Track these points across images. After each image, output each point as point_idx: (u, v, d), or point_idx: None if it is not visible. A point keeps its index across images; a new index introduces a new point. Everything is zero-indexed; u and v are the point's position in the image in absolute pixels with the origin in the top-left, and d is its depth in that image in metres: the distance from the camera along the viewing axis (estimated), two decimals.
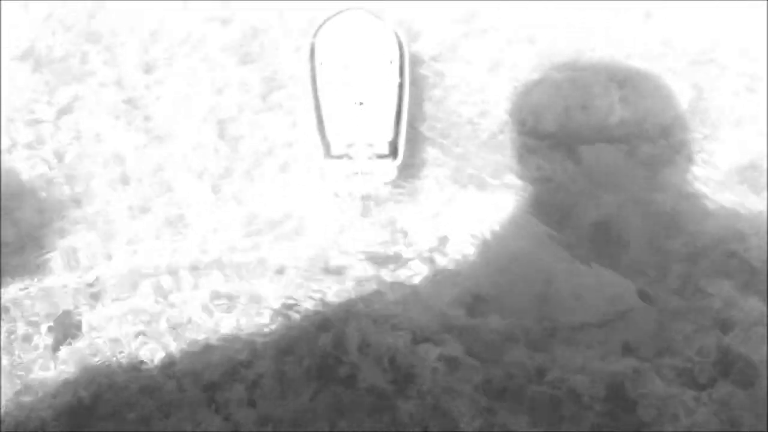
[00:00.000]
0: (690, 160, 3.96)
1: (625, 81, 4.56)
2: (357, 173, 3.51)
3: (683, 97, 4.42)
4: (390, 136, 3.60)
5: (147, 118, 4.08)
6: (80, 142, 3.88)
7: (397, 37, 4.09)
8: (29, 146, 3.86)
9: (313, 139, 3.58)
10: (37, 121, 4.00)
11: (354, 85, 3.85)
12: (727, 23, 5.03)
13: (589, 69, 4.69)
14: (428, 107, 4.25)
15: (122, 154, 3.81)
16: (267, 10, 5.01)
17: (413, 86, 4.11)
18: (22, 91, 4.20)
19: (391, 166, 3.53)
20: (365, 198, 3.53)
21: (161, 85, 4.31)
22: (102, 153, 3.80)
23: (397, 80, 3.85)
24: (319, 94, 3.81)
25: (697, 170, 3.90)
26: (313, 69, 3.93)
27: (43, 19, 4.84)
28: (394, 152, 3.56)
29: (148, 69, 4.43)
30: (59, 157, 3.80)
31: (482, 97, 4.35)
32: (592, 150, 4.01)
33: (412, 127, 3.99)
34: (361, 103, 3.74)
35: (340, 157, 3.55)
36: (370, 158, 3.56)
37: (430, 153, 3.91)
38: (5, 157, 3.80)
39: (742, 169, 3.90)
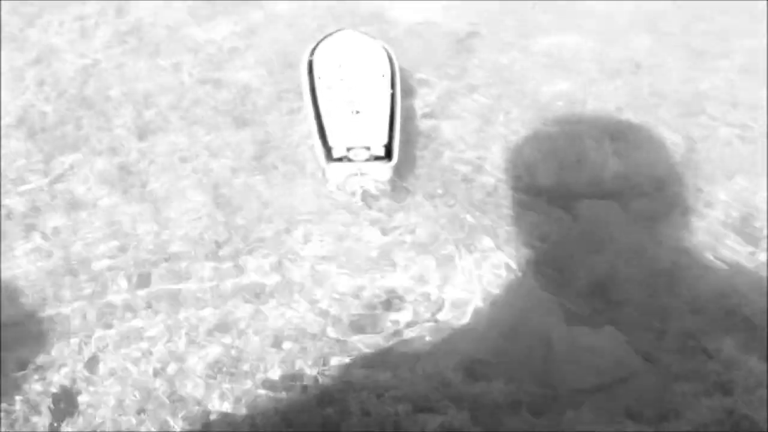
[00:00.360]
0: (685, 213, 3.97)
1: (618, 133, 4.61)
2: (356, 173, 3.83)
3: (676, 149, 4.45)
4: (385, 140, 3.94)
5: (142, 185, 4.07)
6: (76, 211, 3.87)
7: (388, 53, 4.54)
8: (25, 216, 3.84)
9: (315, 145, 3.97)
10: (33, 191, 3.99)
11: (350, 96, 4.21)
12: (716, 73, 5.12)
13: (581, 122, 4.74)
14: (421, 165, 4.27)
15: (118, 222, 3.80)
16: (259, 69, 5.10)
17: (408, 144, 4.16)
18: (16, 160, 4.20)
19: (387, 167, 3.88)
20: (365, 194, 3.83)
21: (155, 150, 4.32)
22: (98, 222, 3.78)
23: (389, 91, 4.28)
24: (319, 104, 4.16)
25: (693, 224, 3.90)
26: (312, 83, 4.34)
27: (36, 85, 4.88)
28: (389, 154, 3.89)
29: (141, 134, 4.45)
30: (55, 227, 3.78)
31: (476, 153, 4.38)
32: (588, 205, 4.02)
33: (404, 185, 4.04)
34: (357, 112, 4.17)
35: (340, 159, 3.87)
36: (367, 159, 3.87)
37: (424, 212, 3.91)
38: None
39: (739, 221, 3.91)
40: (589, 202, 4.07)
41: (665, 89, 4.94)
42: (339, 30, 4.83)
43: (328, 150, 3.95)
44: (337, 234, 3.78)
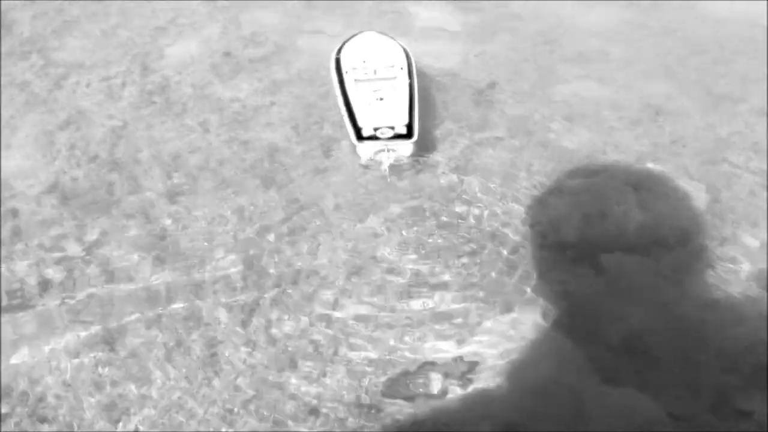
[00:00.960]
0: (711, 265, 4.03)
1: (640, 184, 4.69)
2: (383, 150, 4.55)
3: (700, 199, 4.53)
4: (406, 121, 4.65)
5: (174, 250, 4.19)
6: (111, 279, 3.98)
7: (405, 50, 5.28)
8: (61, 286, 3.95)
9: (347, 128, 4.72)
10: (67, 259, 4.11)
11: (375, 86, 4.99)
12: (736, 117, 5.20)
13: (604, 173, 4.82)
14: (447, 224, 4.37)
15: (152, 289, 3.90)
16: (284, 127, 5.23)
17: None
18: (51, 228, 4.32)
19: (409, 143, 4.61)
20: (392, 166, 4.58)
21: (185, 213, 4.43)
22: (132, 290, 3.89)
23: (407, 81, 5.02)
24: (348, 94, 4.91)
25: (718, 276, 3.97)
26: (340, 76, 5.07)
27: (67, 150, 5.03)
28: (410, 133, 4.60)
29: (171, 196, 4.57)
30: (90, 296, 3.89)
31: (501, 209, 4.47)
32: (613, 259, 4.09)
33: (432, 244, 4.16)
34: (381, 99, 4.89)
35: (369, 138, 4.58)
36: (392, 137, 4.56)
37: (452, 272, 4.00)
38: (37, 299, 3.90)
39: (765, 271, 3.97)
40: (614, 256, 4.14)
41: (686, 136, 5.03)
42: (361, 32, 5.56)
43: (358, 131, 4.64)
44: (368, 294, 3.86)
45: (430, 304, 3.82)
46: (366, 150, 4.65)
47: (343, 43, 5.48)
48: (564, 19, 6.35)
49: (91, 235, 4.30)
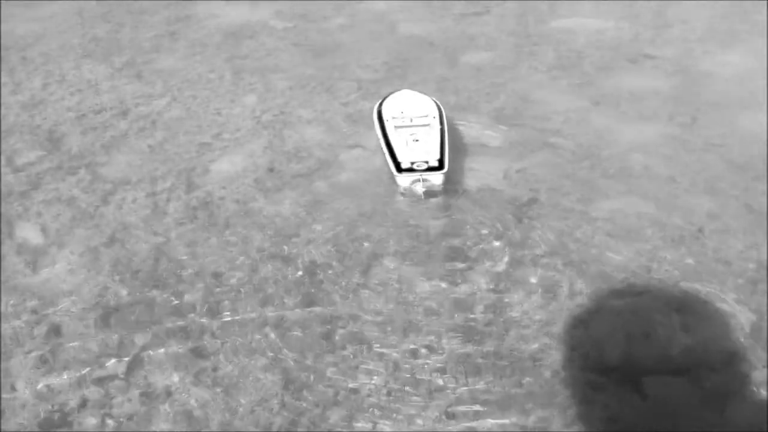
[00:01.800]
0: (757, 391, 4.01)
1: (684, 305, 4.71)
2: (418, 180, 5.62)
3: (744, 322, 4.53)
4: (438, 156, 5.77)
5: (214, 368, 4.28)
6: (150, 399, 4.07)
7: (436, 103, 6.55)
8: (99, 404, 4.05)
9: (388, 163, 5.87)
10: (107, 378, 4.22)
11: (411, 131, 6.12)
12: None
13: (647, 293, 4.85)
14: (489, 344, 4.41)
15: (190, 410, 3.98)
16: (326, 244, 5.36)
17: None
18: (91, 345, 4.45)
19: (440, 174, 5.68)
20: (426, 192, 5.66)
21: (226, 332, 4.54)
22: (171, 410, 3.97)
23: (439, 127, 6.17)
24: (389, 137, 6.07)
25: (764, 401, 3.94)
26: (381, 123, 6.28)
27: (111, 266, 5.21)
28: (441, 165, 5.70)
29: (212, 314, 4.69)
30: (129, 416, 3.97)
31: (543, 329, 4.52)
32: (657, 382, 4.09)
33: (472, 364, 4.20)
34: (417, 140, 6.05)
35: (407, 170, 5.67)
36: (426, 169, 5.67)
37: (493, 397, 4.03)
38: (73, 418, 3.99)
39: None
40: (658, 379, 4.14)
41: (729, 256, 5.06)
42: (399, 90, 6.85)
43: (397, 165, 5.77)
44: (408, 416, 3.90)
45: (471, 426, 3.83)
46: (404, 180, 5.70)
47: (384, 98, 6.65)
48: (604, 134, 6.49)
49: (132, 354, 4.41)
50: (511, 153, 6.33)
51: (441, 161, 5.76)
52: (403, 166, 5.74)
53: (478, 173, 6.03)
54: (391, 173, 5.82)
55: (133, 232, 5.51)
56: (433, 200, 5.71)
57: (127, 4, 9.83)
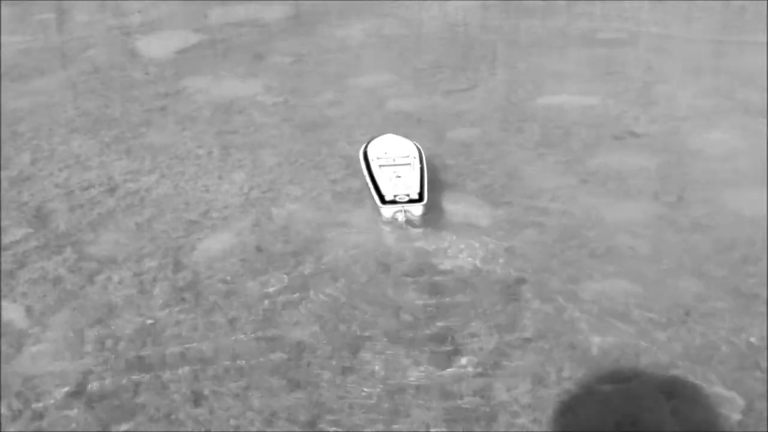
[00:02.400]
0: None
1: (674, 390, 4.72)
2: (400, 210, 6.37)
3: (734, 408, 4.54)
4: (418, 190, 6.54)
5: None
6: None
7: (417, 146, 7.32)
8: None
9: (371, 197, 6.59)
10: None
11: (394, 169, 6.87)
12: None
13: (635, 378, 4.87)
14: (477, 430, 4.41)
15: None
16: (313, 326, 5.37)
17: None
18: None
19: (420, 205, 6.45)
20: (409, 218, 6.41)
21: (210, 417, 4.52)
22: None
23: (419, 166, 6.91)
24: (374, 174, 6.79)
25: None
26: (367, 162, 7.01)
27: (96, 350, 5.19)
28: (421, 197, 6.47)
29: (197, 399, 4.68)
30: None
31: (531, 416, 4.51)
32: None
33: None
34: (399, 176, 6.75)
35: (390, 202, 6.42)
36: (408, 201, 6.43)
37: None
38: None
39: None
40: None
41: (717, 340, 5.09)
42: (382, 134, 7.58)
43: (381, 197, 6.49)
44: None
45: None
46: (387, 210, 6.42)
47: (369, 141, 7.40)
48: (591, 213, 6.57)
49: None
50: (499, 232, 6.39)
51: (421, 194, 6.51)
52: (387, 198, 6.48)
53: (466, 253, 6.08)
54: (376, 205, 6.57)
55: (119, 314, 5.51)
56: (421, 279, 5.75)
57: (119, 79, 9.97)
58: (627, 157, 7.65)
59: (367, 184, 6.84)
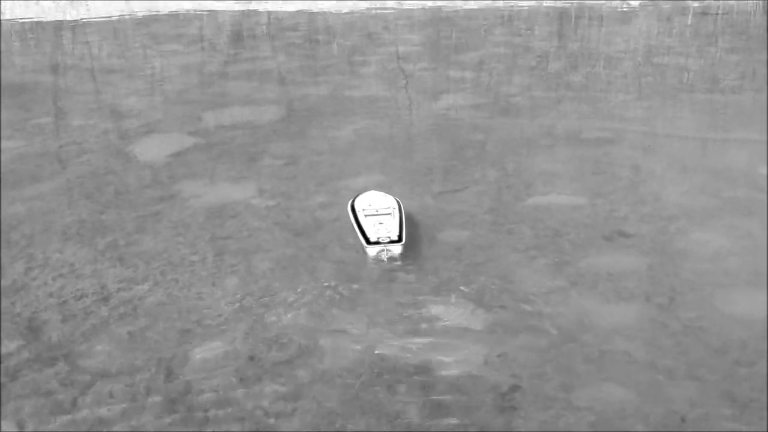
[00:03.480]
0: None
1: None
2: (383, 250, 7.65)
3: None
4: (397, 233, 7.84)
5: None
6: None
7: (397, 200, 8.61)
8: None
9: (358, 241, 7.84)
10: None
11: (377, 218, 8.18)
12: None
13: None
14: None
15: None
16: None
17: None
18: None
19: (399, 245, 7.73)
20: (390, 256, 7.68)
21: None
22: None
23: (398, 215, 8.22)
24: (361, 222, 8.12)
25: None
26: (354, 213, 8.35)
27: None
28: (400, 239, 7.77)
29: None
30: None
31: None
32: None
33: None
34: (381, 223, 8.04)
35: (374, 243, 7.72)
36: (389, 242, 7.72)
37: None
38: None
39: None
40: None
41: None
42: (367, 191, 8.90)
43: (366, 239, 7.77)
44: None
45: None
46: (372, 250, 7.66)
47: (356, 197, 8.70)
48: (584, 316, 6.61)
49: None
50: (492, 337, 6.42)
51: (400, 236, 7.75)
52: (372, 240, 7.71)
53: (459, 359, 6.09)
54: (363, 246, 7.82)
55: (110, 427, 5.46)
56: (415, 386, 5.76)
57: (114, 184, 10.09)
58: (617, 258, 7.73)
59: (354, 230, 8.17)
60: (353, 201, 8.63)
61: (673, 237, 8.24)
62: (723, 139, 11.02)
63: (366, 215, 8.27)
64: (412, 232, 8.25)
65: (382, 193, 8.82)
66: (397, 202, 8.58)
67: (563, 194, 9.40)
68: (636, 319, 6.63)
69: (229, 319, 6.85)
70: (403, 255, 7.61)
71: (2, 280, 7.61)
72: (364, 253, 7.81)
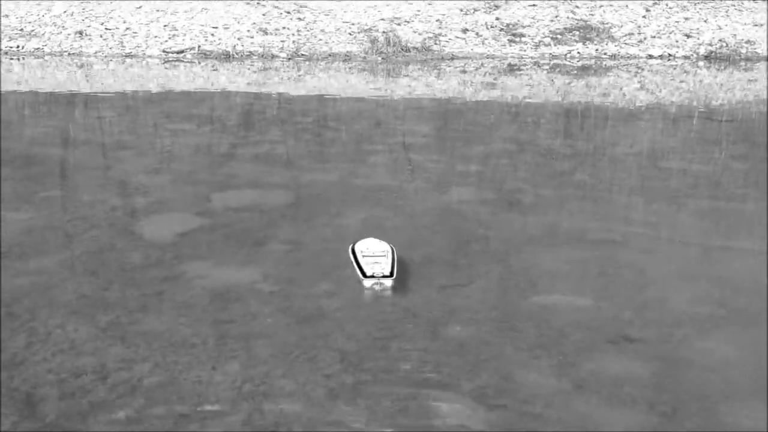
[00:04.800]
0: None
1: None
2: (377, 283, 8.98)
3: None
4: (389, 270, 9.16)
5: None
6: None
7: (391, 245, 9.84)
8: None
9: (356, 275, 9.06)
10: None
11: (374, 258, 9.51)
12: None
13: None
14: None
15: None
16: None
17: None
18: None
19: (390, 279, 9.01)
20: (382, 289, 8.98)
21: None
22: None
23: (391, 256, 9.50)
24: (360, 261, 9.43)
25: None
26: (354, 255, 9.66)
27: None
28: (392, 274, 9.08)
29: None
30: None
31: None
32: None
33: None
34: (377, 263, 9.32)
35: (369, 276, 9.02)
36: (382, 276, 9.06)
37: None
38: None
39: None
40: None
41: None
42: (364, 238, 10.11)
43: (363, 274, 9.05)
44: None
45: None
46: (367, 282, 8.97)
47: (355, 242, 9.98)
48: (586, 422, 6.63)
49: None
50: None
51: (391, 272, 9.09)
52: (368, 274, 9.05)
53: None
54: (360, 279, 9.13)
55: None
56: None
57: (119, 261, 10.12)
58: (621, 363, 7.72)
59: (354, 267, 9.46)
60: (353, 245, 10.03)
61: (677, 344, 8.24)
62: (727, 247, 11.10)
63: (364, 256, 9.67)
64: (415, 326, 8.27)
65: (377, 240, 10.15)
66: (391, 247, 9.89)
67: (568, 294, 9.43)
68: (639, 427, 6.61)
69: (227, 405, 6.83)
70: (405, 348, 7.56)
71: (2, 354, 7.57)
72: (361, 285, 9.12)
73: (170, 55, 29.59)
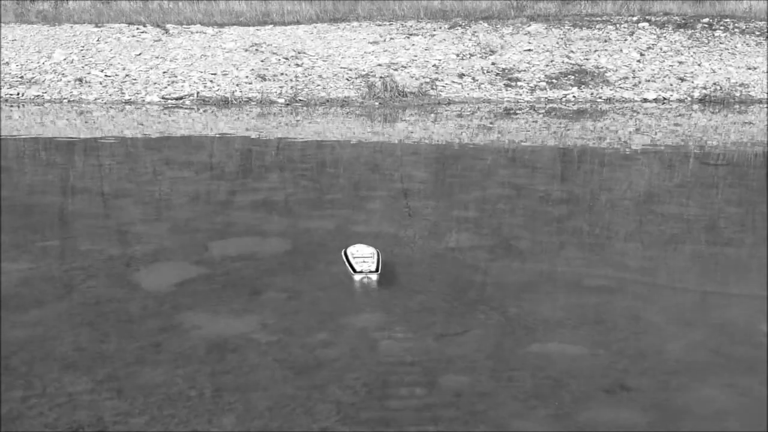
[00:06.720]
0: None
1: None
2: (364, 278, 10.26)
3: None
4: (374, 267, 10.44)
5: None
6: None
7: (377, 249, 10.95)
8: None
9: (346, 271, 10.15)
10: None
11: (362, 258, 10.76)
12: None
13: None
14: None
15: None
16: None
17: None
18: None
19: (376, 275, 10.31)
20: (369, 282, 10.23)
21: None
22: None
23: (377, 257, 10.72)
24: (350, 261, 10.74)
25: None
26: (346, 256, 10.91)
27: None
28: (377, 270, 10.35)
29: None
30: None
31: None
32: None
33: None
34: (365, 261, 10.56)
35: (358, 272, 10.34)
36: (369, 272, 10.40)
37: None
38: None
39: None
40: None
41: None
42: (355, 244, 11.31)
43: (353, 270, 10.28)
44: None
45: None
46: (357, 277, 10.25)
47: (347, 247, 11.21)
48: None
49: None
50: None
51: (377, 269, 10.39)
52: (357, 270, 10.39)
53: None
54: (350, 275, 10.38)
55: None
56: None
57: (116, 312, 10.15)
58: (617, 413, 7.73)
59: (346, 265, 10.83)
60: (345, 250, 11.42)
61: (674, 393, 8.24)
62: (723, 293, 11.14)
63: (354, 257, 11.12)
64: (412, 375, 8.28)
65: (365, 245, 11.52)
66: (377, 251, 11.31)
67: (564, 342, 9.46)
68: None
69: None
70: (402, 398, 7.54)
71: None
72: (351, 280, 10.52)
73: (169, 101, 29.82)
